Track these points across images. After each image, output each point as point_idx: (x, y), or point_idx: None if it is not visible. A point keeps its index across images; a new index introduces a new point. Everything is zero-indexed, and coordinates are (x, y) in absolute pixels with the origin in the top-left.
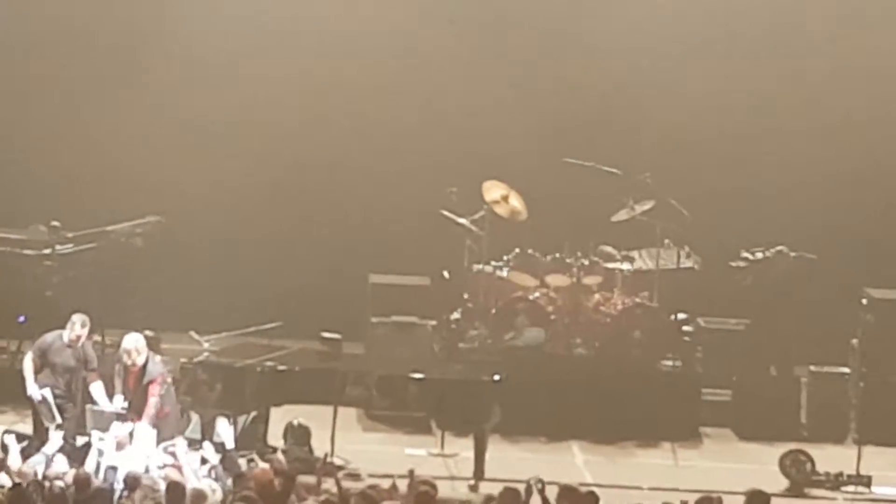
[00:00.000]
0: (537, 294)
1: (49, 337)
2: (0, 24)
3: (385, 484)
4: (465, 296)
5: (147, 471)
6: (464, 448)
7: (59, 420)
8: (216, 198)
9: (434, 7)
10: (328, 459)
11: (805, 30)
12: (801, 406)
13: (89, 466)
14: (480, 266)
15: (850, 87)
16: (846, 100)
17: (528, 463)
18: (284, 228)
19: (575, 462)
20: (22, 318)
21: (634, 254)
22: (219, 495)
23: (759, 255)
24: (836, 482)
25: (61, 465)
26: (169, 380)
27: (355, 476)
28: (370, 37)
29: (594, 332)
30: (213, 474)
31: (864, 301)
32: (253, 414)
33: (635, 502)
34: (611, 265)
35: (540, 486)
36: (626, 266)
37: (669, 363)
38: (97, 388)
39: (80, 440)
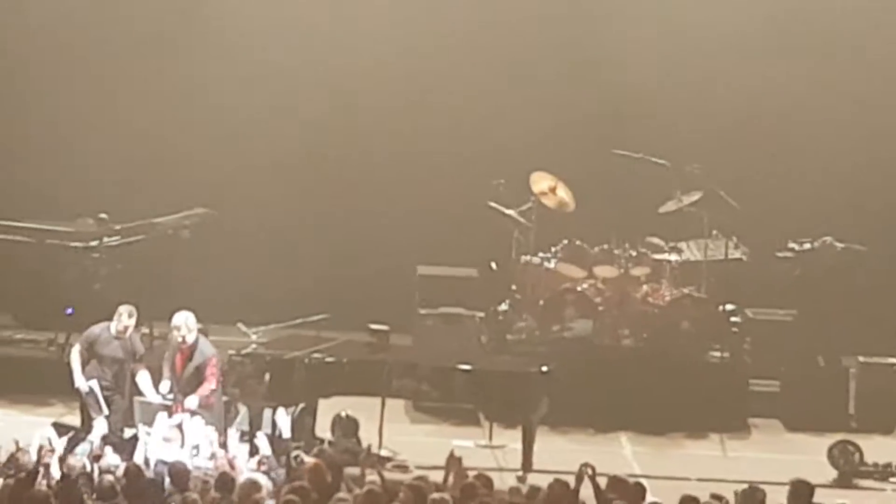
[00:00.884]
0: (585, 285)
1: (97, 329)
2: (44, 16)
3: (434, 475)
4: (513, 287)
5: (196, 463)
6: (512, 439)
7: (105, 412)
8: (263, 189)
9: (481, 2)
10: (371, 451)
11: (855, 18)
12: (850, 397)
13: (138, 458)
14: (528, 257)
15: None
16: None
17: (576, 454)
18: (332, 220)
19: (623, 453)
20: (70, 311)
21: (682, 245)
22: (270, 487)
23: (807, 246)
24: (884, 473)
25: (111, 457)
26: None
27: (403, 468)
28: (418, 27)
29: (642, 323)
30: (264, 466)
31: None
32: (301, 406)
33: (684, 493)
34: (659, 256)
35: (590, 472)
36: (674, 257)
37: (717, 354)
38: (144, 380)
39: (128, 432)
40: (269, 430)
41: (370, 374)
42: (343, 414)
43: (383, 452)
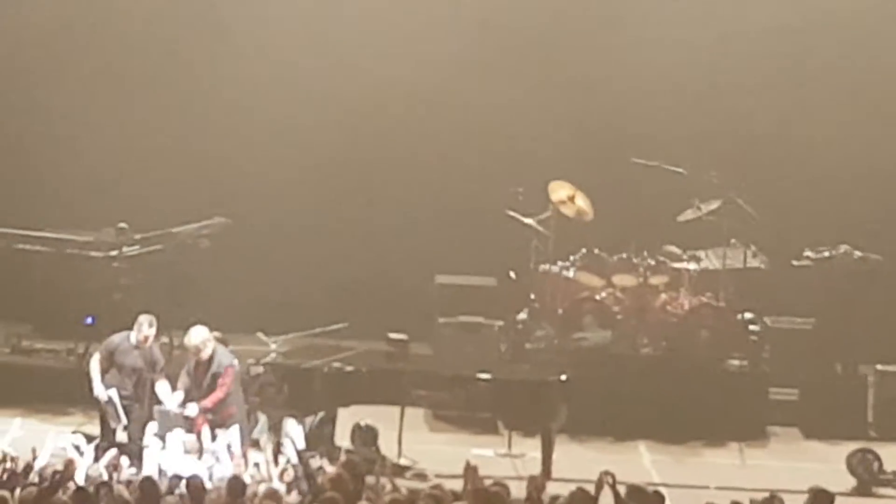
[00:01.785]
0: (604, 294)
1: (116, 338)
2: (65, 27)
3: (454, 484)
4: (532, 296)
5: (211, 476)
6: (531, 448)
7: (124, 421)
8: (282, 199)
9: (501, 9)
10: (386, 460)
11: (873, 26)
12: (868, 405)
13: (153, 469)
14: (547, 266)
15: None
16: None
17: (594, 463)
18: (350, 229)
19: (642, 462)
20: (90, 320)
21: (701, 253)
22: (294, 497)
23: (825, 254)
24: None
25: (128, 469)
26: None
27: (422, 476)
28: (436, 36)
29: (661, 331)
30: (289, 476)
31: None
32: (320, 415)
33: (703, 502)
34: (677, 265)
35: (611, 480)
36: (692, 266)
37: (736, 362)
38: (164, 390)
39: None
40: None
41: (389, 382)
42: (362, 423)
43: (402, 461)
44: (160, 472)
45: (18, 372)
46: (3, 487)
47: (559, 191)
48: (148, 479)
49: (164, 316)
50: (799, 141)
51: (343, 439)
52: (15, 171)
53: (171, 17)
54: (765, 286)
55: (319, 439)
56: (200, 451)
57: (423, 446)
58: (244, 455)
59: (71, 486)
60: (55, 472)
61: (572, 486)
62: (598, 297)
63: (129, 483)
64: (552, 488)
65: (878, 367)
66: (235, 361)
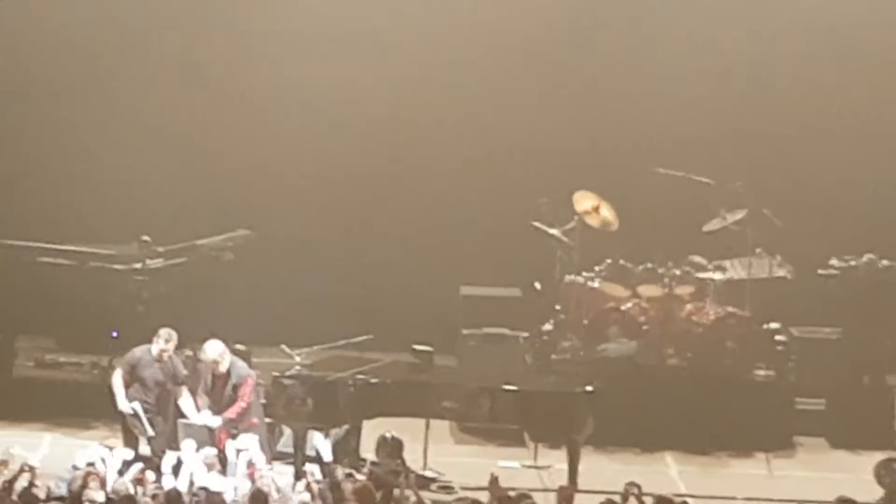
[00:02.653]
0: (629, 304)
1: (138, 351)
2: (86, 42)
3: (480, 496)
4: (557, 307)
5: (235, 490)
6: (557, 460)
7: (151, 433)
8: (306, 211)
9: (524, 17)
10: (410, 472)
11: None
12: (895, 414)
13: (181, 484)
14: (572, 277)
15: None
16: None
17: (621, 474)
18: (375, 241)
19: (669, 473)
20: (115, 334)
21: (727, 263)
22: None
23: (853, 263)
24: None
25: (152, 483)
26: (259, 385)
27: (448, 489)
28: (459, 46)
29: (687, 342)
30: (314, 489)
31: None
32: (345, 427)
33: None
34: (703, 275)
35: (636, 491)
36: (718, 276)
37: (762, 373)
38: (187, 403)
39: (173, 455)
40: (311, 453)
41: (414, 394)
42: (388, 435)
43: (428, 473)
44: (188, 485)
45: (42, 386)
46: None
47: (584, 201)
48: (174, 491)
49: (188, 329)
50: (824, 150)
51: (368, 451)
52: (38, 184)
53: (193, 30)
54: (791, 296)
55: (344, 451)
56: (224, 465)
57: (449, 458)
58: (267, 467)
59: (96, 499)
60: (80, 487)
61: (599, 498)
62: (623, 308)
63: (154, 496)
64: (578, 500)
65: None
66: (253, 373)
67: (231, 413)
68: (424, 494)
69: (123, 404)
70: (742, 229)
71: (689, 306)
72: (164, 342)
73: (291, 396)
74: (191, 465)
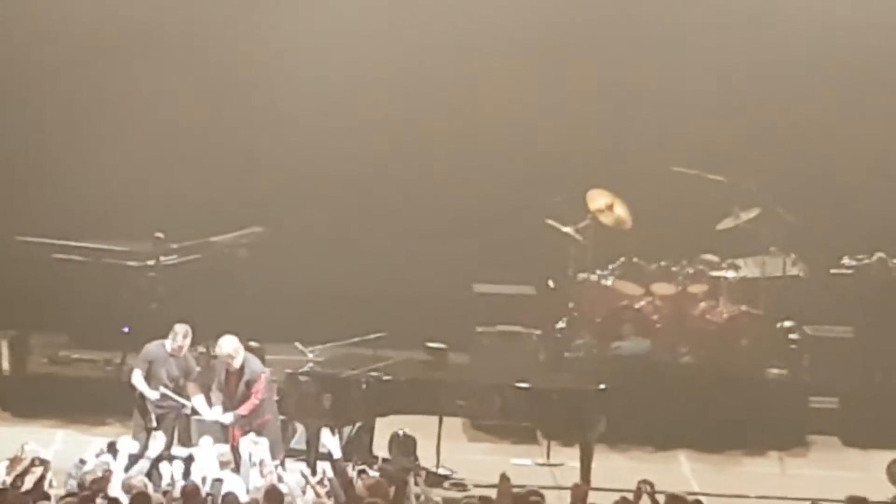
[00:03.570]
0: (643, 303)
1: (153, 347)
2: (101, 40)
3: (490, 493)
4: (571, 305)
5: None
6: (570, 457)
7: (153, 424)
8: (320, 208)
9: (540, 15)
10: (424, 470)
11: None
12: None
13: (196, 477)
14: (586, 275)
15: None
16: None
17: (634, 472)
18: (388, 238)
19: (681, 471)
20: (127, 329)
21: (740, 262)
22: None
23: (865, 262)
24: None
25: (167, 476)
26: (273, 383)
27: (461, 486)
28: (473, 45)
29: (700, 340)
30: (326, 487)
31: None
32: (358, 424)
33: None
34: (716, 273)
35: (649, 488)
36: (731, 274)
37: (776, 371)
38: (199, 399)
39: (185, 451)
40: (323, 451)
41: (428, 392)
42: (400, 432)
43: (441, 471)
44: (202, 481)
45: (56, 382)
46: (35, 495)
47: (598, 199)
48: (192, 485)
49: (201, 325)
50: (838, 149)
51: (381, 449)
52: (52, 181)
53: (208, 28)
54: (804, 294)
55: (357, 449)
56: (237, 463)
57: (462, 456)
58: (280, 464)
59: (109, 494)
60: (93, 481)
61: (612, 496)
62: (636, 306)
63: (165, 493)
64: (591, 498)
65: None
66: (267, 370)
67: (243, 410)
68: (437, 492)
69: (152, 394)
70: (755, 228)
71: (702, 304)
72: (181, 338)
73: (304, 393)
74: (205, 461)
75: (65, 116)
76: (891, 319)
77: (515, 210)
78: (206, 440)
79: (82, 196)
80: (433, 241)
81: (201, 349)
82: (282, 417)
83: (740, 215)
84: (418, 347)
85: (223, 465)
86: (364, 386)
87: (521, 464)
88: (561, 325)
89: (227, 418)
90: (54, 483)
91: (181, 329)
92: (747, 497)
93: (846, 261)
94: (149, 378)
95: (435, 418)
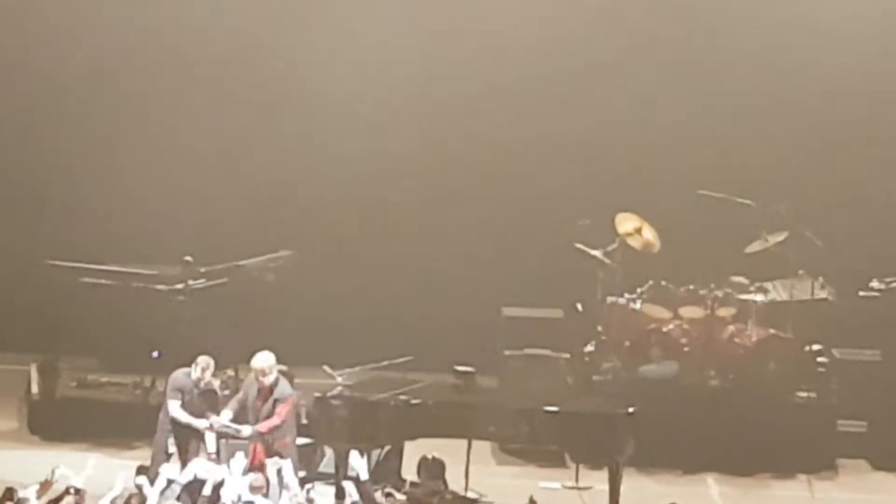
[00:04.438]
0: (671, 326)
1: (180, 375)
2: (125, 62)
3: None
4: (599, 328)
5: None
6: (598, 481)
7: (171, 449)
8: (348, 232)
9: (567, 39)
10: (452, 494)
11: None
12: None
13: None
14: (614, 298)
15: None
16: None
17: (662, 495)
18: (416, 262)
19: (710, 494)
20: (156, 353)
21: (768, 285)
22: None
23: (894, 285)
24: None
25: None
26: (302, 406)
27: None
28: (501, 67)
29: (728, 363)
30: None
31: None
32: (387, 448)
33: None
34: (745, 296)
35: None
36: (760, 297)
37: (804, 394)
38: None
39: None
40: (352, 474)
41: (456, 415)
42: (429, 456)
43: (470, 494)
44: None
45: (84, 406)
46: None
47: (626, 223)
48: None
49: (230, 349)
50: (866, 173)
51: (409, 472)
52: (81, 205)
53: (236, 52)
54: (832, 318)
55: (386, 472)
56: (266, 487)
57: (490, 479)
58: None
59: None
60: None
61: None
62: (665, 329)
63: None
64: None
65: None
66: (296, 393)
67: (262, 427)
68: None
69: (200, 423)
70: (784, 251)
71: (730, 328)
72: (200, 370)
73: (333, 417)
74: (235, 483)
75: (94, 140)
76: None
77: (544, 233)
78: (238, 458)
79: (111, 220)
80: (462, 265)
81: (230, 372)
82: (310, 441)
83: (768, 239)
84: (447, 371)
85: (254, 489)
86: (393, 409)
87: (550, 487)
88: (589, 348)
89: (246, 431)
90: None
91: (203, 361)
92: None
93: (874, 284)
94: (182, 407)
95: (464, 442)
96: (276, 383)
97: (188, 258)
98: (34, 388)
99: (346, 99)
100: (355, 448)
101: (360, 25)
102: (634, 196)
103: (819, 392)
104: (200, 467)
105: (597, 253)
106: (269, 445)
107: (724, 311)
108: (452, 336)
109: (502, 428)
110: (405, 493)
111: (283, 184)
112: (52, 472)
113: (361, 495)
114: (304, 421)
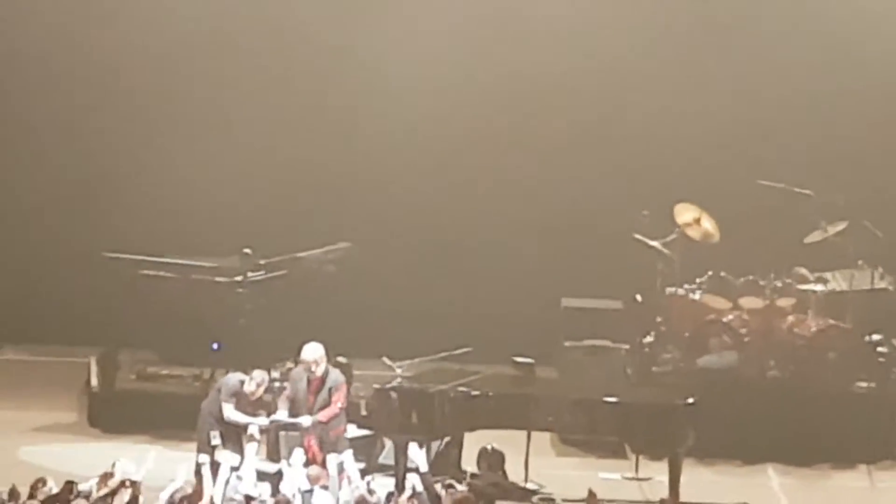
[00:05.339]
0: (731, 316)
1: (233, 381)
2: (182, 53)
3: None
4: (658, 319)
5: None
6: (658, 472)
7: (217, 441)
8: (407, 223)
9: (627, 30)
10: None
11: None
12: None
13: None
14: (673, 289)
15: None
16: None
17: (723, 486)
18: (476, 253)
19: (770, 485)
20: (216, 346)
21: (828, 275)
22: None
23: None
24: None
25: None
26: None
27: (549, 501)
28: (562, 61)
29: (788, 354)
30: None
31: None
32: (446, 439)
33: None
34: (804, 287)
35: None
36: (819, 287)
37: (864, 384)
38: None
39: (274, 467)
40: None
41: (515, 407)
42: (489, 447)
43: (529, 485)
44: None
45: (144, 399)
46: None
47: (685, 213)
48: (283, 498)
49: (289, 341)
50: None
51: (469, 463)
52: (140, 197)
53: (294, 44)
54: (892, 308)
55: (446, 463)
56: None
57: (550, 470)
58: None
59: None
60: (183, 499)
61: None
62: (724, 320)
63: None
64: None
65: None
66: (345, 380)
67: (323, 416)
68: None
69: (260, 421)
70: (843, 241)
71: (790, 318)
72: (255, 385)
73: (392, 408)
74: (294, 476)
75: (154, 132)
76: None
77: (603, 224)
78: (298, 452)
79: (171, 212)
80: (521, 256)
81: (289, 365)
82: (370, 432)
83: (828, 229)
84: (506, 362)
85: (313, 480)
86: (452, 401)
87: (610, 478)
88: (649, 339)
89: (306, 421)
90: (141, 501)
91: (258, 376)
92: None
93: None
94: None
95: (523, 433)
96: (326, 373)
97: (247, 250)
98: (94, 381)
99: (404, 88)
100: (415, 440)
101: (417, 11)
102: (693, 186)
103: (879, 382)
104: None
105: (656, 244)
106: (325, 437)
107: (783, 302)
108: (512, 327)
109: (561, 419)
110: (466, 485)
111: (342, 176)
112: (113, 465)
113: (423, 487)
114: (364, 412)
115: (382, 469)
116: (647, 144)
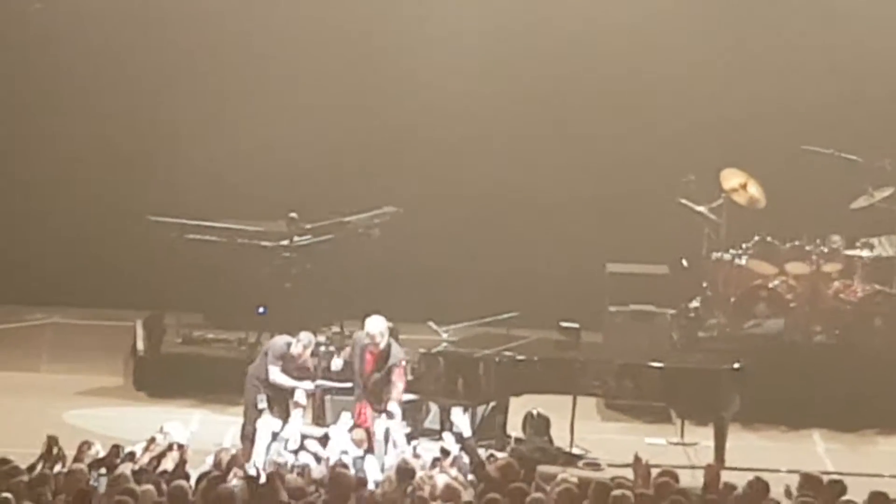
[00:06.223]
0: (777, 282)
1: (280, 343)
2: (231, 17)
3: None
4: (704, 284)
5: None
6: (704, 437)
7: (264, 405)
8: (453, 188)
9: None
10: (558, 450)
11: None
12: None
13: (333, 457)
14: (719, 254)
15: None
16: None
17: (768, 451)
18: (522, 218)
19: (816, 450)
20: (262, 310)
21: (874, 241)
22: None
23: None
24: None
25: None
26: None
27: (595, 466)
28: (604, 25)
29: (834, 319)
30: (455, 467)
31: None
32: (492, 404)
33: (872, 490)
34: (851, 252)
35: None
36: (865, 253)
37: None
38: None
39: (320, 431)
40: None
41: (561, 372)
42: (534, 412)
43: (575, 450)
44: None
45: (190, 362)
46: (176, 476)
47: (731, 178)
48: (339, 463)
49: (335, 305)
50: None
51: (515, 429)
52: (187, 161)
53: (340, 7)
54: None
55: (491, 428)
56: (370, 444)
57: (596, 435)
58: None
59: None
60: (230, 459)
61: (746, 475)
62: (770, 285)
63: (300, 473)
64: (725, 477)
65: None
66: (405, 356)
67: (399, 395)
68: (571, 471)
69: (306, 385)
70: (890, 206)
71: (836, 284)
72: (302, 347)
73: (438, 373)
74: (340, 440)
75: (200, 97)
76: None
77: (649, 189)
78: (345, 416)
79: (217, 176)
80: (566, 221)
81: (335, 329)
82: (416, 397)
83: (874, 194)
84: (551, 327)
85: (357, 443)
86: (497, 365)
87: (655, 443)
88: (694, 304)
89: (395, 409)
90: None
91: (305, 338)
92: (881, 476)
93: None
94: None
95: (569, 398)
96: (388, 348)
97: (293, 214)
98: (140, 345)
99: (455, 54)
100: (460, 404)
101: None
102: (740, 151)
103: None
104: (303, 425)
105: (702, 209)
106: (379, 404)
107: (829, 267)
108: (557, 292)
109: (607, 384)
110: (510, 450)
111: (389, 140)
112: (161, 429)
113: (466, 452)
114: (410, 377)
115: (428, 433)
116: (694, 109)
